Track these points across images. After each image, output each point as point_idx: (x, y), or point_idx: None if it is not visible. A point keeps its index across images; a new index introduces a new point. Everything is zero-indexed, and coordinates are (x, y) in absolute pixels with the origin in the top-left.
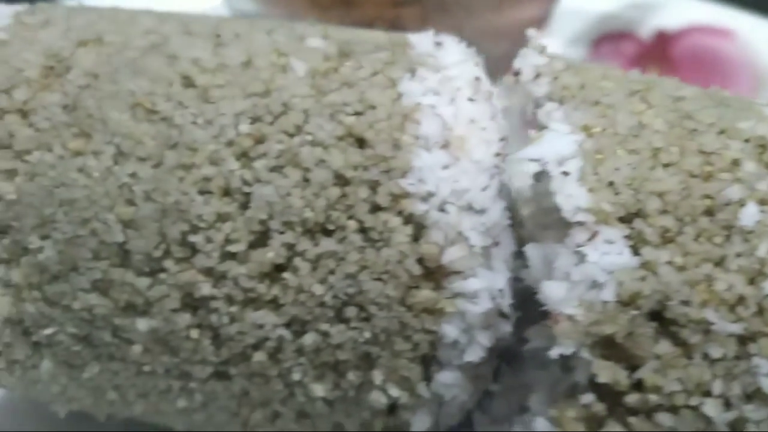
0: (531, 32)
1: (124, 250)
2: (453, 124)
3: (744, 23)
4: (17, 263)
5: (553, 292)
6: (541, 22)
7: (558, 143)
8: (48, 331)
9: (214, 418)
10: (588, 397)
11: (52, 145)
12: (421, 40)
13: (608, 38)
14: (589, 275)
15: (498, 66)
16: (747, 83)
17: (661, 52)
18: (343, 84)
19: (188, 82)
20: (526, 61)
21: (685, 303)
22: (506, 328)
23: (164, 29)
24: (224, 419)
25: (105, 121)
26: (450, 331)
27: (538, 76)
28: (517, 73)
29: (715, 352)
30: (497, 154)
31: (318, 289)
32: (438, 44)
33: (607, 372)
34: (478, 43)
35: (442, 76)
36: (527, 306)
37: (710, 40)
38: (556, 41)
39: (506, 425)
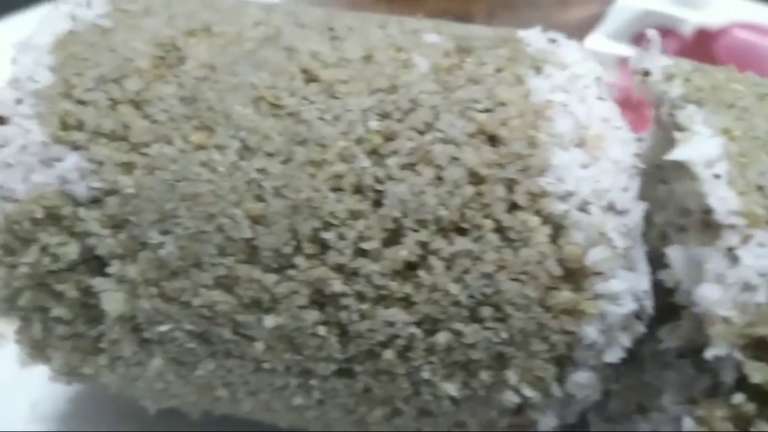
0: (651, 33)
1: (251, 246)
2: (587, 123)
3: None
4: (134, 259)
5: (707, 295)
6: (598, 18)
7: (704, 146)
8: (163, 328)
9: (326, 416)
10: (738, 397)
11: (172, 138)
12: (532, 37)
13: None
14: (742, 278)
15: None
16: None
17: (702, 50)
18: (468, 80)
19: (310, 77)
20: (653, 62)
21: None
22: (640, 328)
23: (274, 20)
24: (338, 416)
25: (228, 114)
26: (590, 332)
27: (670, 77)
28: (646, 73)
29: None
30: (636, 155)
31: (453, 288)
32: (553, 41)
33: (760, 373)
34: None
35: (569, 74)
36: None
37: (752, 38)
38: (599, 37)
39: (622, 424)
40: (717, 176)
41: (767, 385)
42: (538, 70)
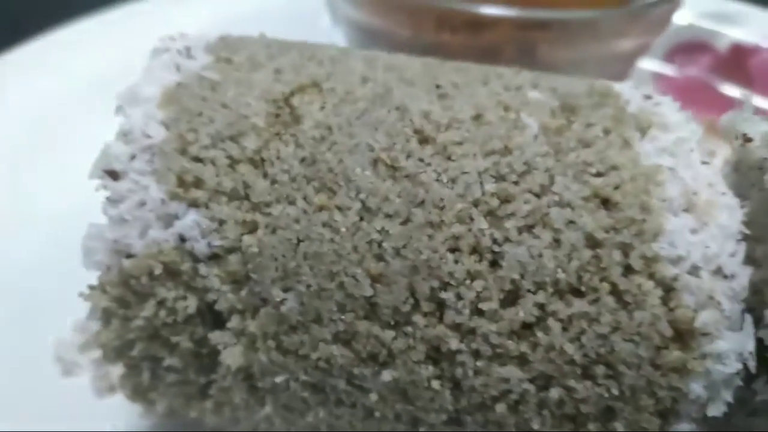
0: (745, 96)
1: (371, 303)
2: (695, 188)
3: None
4: (254, 314)
5: None
6: (649, 47)
7: None
8: (277, 379)
9: None
10: None
11: (294, 198)
12: (628, 92)
13: (684, 49)
14: None
15: None
16: None
17: (737, 65)
18: (579, 142)
19: (424, 137)
20: (753, 127)
21: None
22: (738, 381)
23: (380, 76)
24: None
25: (347, 176)
26: (695, 388)
27: None
28: (748, 140)
29: None
30: (743, 221)
31: (568, 348)
32: (648, 97)
33: None
34: (597, 65)
35: (674, 137)
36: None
37: None
38: None
39: None
40: None
41: None
42: (643, 132)
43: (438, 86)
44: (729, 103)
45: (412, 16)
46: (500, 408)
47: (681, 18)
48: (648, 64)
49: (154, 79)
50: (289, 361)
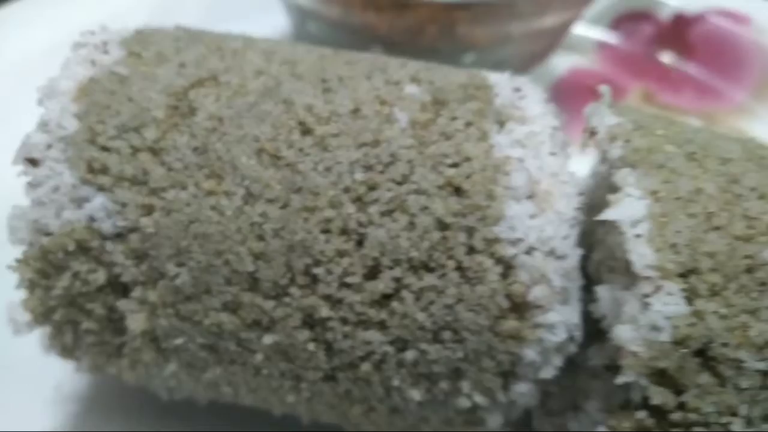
0: (604, 88)
1: (253, 277)
2: (538, 177)
3: (761, 10)
4: (154, 285)
5: (622, 333)
6: (572, 23)
7: (631, 208)
8: (178, 341)
9: (314, 409)
10: (642, 414)
11: (186, 184)
12: (502, 85)
13: (628, 17)
14: (651, 321)
15: (533, 60)
16: (760, 69)
17: (678, 35)
18: (441, 135)
19: (305, 129)
20: (601, 121)
21: (725, 345)
22: (573, 348)
23: (273, 70)
24: (323, 410)
25: (234, 164)
26: (529, 354)
27: (613, 138)
28: (593, 133)
29: (744, 383)
30: (577, 208)
31: (420, 316)
32: (517, 90)
33: (659, 396)
34: (520, 42)
35: (528, 131)
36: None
37: (727, 25)
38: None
39: (558, 419)
40: (639, 236)
41: (664, 405)
42: (501, 125)
43: (324, 80)
44: (667, 73)
45: None
46: (366, 367)
47: None
48: (593, 32)
49: (70, 74)
50: (185, 326)
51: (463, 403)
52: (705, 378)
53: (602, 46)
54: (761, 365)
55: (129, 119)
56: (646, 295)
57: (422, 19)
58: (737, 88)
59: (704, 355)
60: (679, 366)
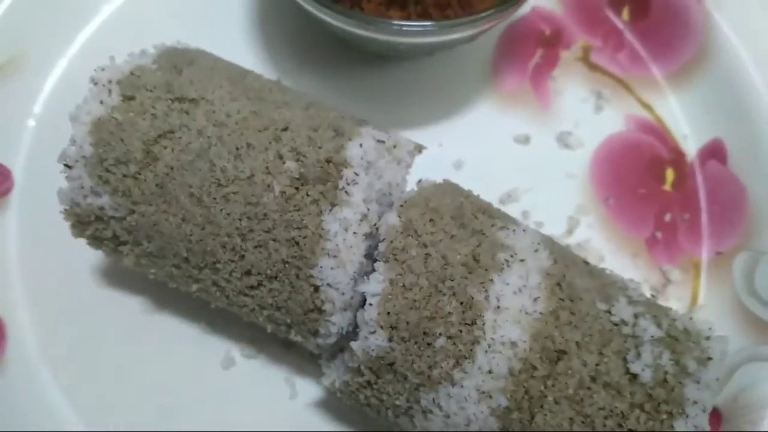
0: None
1: (186, 258)
2: (341, 247)
3: None
4: (136, 247)
5: (354, 345)
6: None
7: (374, 286)
8: (152, 270)
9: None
10: (358, 377)
11: (151, 203)
12: (355, 164)
13: None
14: (369, 344)
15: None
16: (692, 51)
17: None
18: (294, 206)
19: (219, 184)
20: (386, 219)
21: (401, 365)
22: (343, 334)
23: (209, 131)
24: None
25: (178, 199)
26: (322, 328)
27: (384, 235)
28: (377, 228)
29: (406, 385)
30: (360, 264)
31: (269, 300)
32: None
33: (367, 376)
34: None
35: (346, 216)
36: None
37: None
38: None
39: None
40: (371, 304)
41: (368, 381)
42: (332, 206)
43: (237, 148)
44: (611, 33)
45: None
46: (246, 310)
47: None
48: None
49: (88, 109)
50: (154, 267)
51: (294, 339)
52: (389, 377)
53: None
54: (417, 379)
55: (121, 155)
56: (371, 332)
57: None
58: (665, 63)
59: (392, 367)
60: (377, 367)
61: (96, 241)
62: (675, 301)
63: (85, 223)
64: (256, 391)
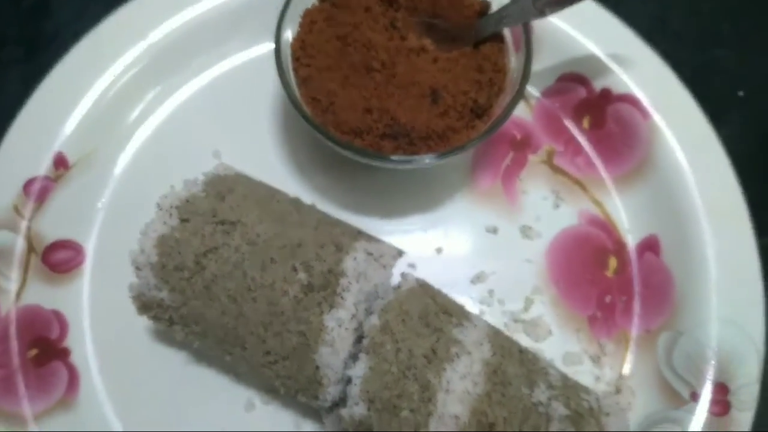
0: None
1: (222, 339)
2: (337, 339)
3: (661, 110)
4: (185, 328)
5: (342, 412)
6: None
7: (358, 369)
8: (195, 344)
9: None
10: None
11: (199, 299)
12: (350, 276)
13: (570, 78)
14: (353, 413)
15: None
16: (636, 161)
17: (600, 105)
18: (304, 307)
19: (248, 289)
20: (369, 321)
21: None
22: (338, 397)
23: (243, 248)
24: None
25: (219, 298)
26: (322, 394)
27: (366, 331)
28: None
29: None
30: (349, 351)
31: (281, 351)
32: (347, 290)
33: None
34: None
35: (341, 316)
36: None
37: (634, 114)
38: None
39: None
40: (356, 384)
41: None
42: (331, 307)
43: (263, 261)
44: (572, 140)
45: None
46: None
47: (579, 51)
48: (538, 83)
49: (154, 227)
50: (198, 342)
51: (300, 399)
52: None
53: (540, 101)
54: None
55: (178, 263)
56: (356, 404)
57: None
58: (615, 167)
59: (370, 429)
60: (360, 430)
61: (155, 319)
62: (608, 369)
63: (148, 307)
64: (271, 430)
